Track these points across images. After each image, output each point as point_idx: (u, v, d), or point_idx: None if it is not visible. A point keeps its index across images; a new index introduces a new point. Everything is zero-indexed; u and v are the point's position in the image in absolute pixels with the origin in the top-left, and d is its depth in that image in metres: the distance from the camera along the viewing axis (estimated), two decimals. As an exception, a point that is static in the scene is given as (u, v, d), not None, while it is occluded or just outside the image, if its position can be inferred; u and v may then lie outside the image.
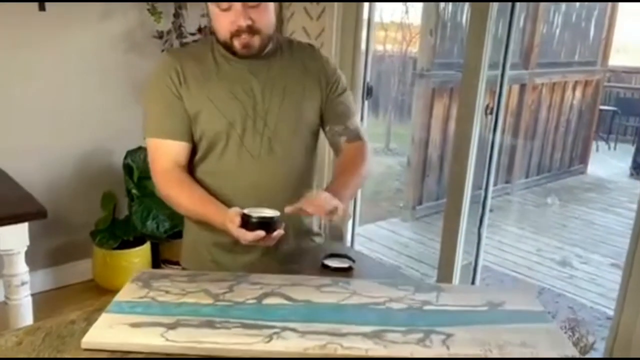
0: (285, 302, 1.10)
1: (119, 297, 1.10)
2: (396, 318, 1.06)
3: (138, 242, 2.93)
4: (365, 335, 0.99)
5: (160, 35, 2.80)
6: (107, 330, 0.97)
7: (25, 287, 2.00)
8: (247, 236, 1.13)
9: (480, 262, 2.66)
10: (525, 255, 3.74)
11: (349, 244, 3.12)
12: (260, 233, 1.13)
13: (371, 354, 0.94)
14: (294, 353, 0.94)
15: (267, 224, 1.14)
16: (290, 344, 0.95)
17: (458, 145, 2.31)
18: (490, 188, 2.50)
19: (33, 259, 2.74)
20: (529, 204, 4.83)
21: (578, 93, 5.37)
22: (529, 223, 4.30)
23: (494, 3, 2.07)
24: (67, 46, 2.71)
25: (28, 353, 0.93)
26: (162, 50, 2.82)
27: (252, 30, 1.25)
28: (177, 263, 3.07)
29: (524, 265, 3.58)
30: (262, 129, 1.32)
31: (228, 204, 1.25)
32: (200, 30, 2.84)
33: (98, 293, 2.88)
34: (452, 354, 0.95)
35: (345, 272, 1.28)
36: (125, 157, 2.82)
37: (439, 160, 4.30)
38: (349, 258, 1.33)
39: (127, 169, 2.81)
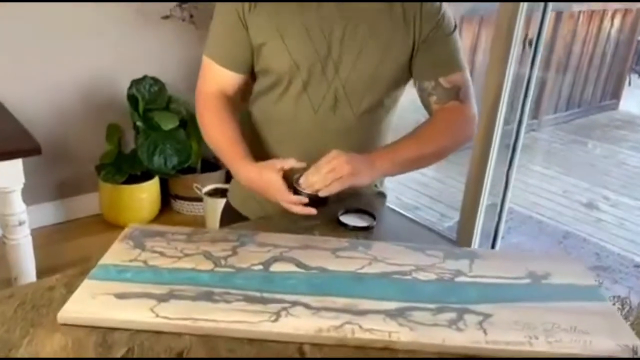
0: (296, 269, 0.95)
1: (106, 258, 0.96)
2: (424, 292, 0.91)
3: (146, 176, 2.81)
4: (388, 313, 0.85)
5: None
6: (89, 301, 0.84)
7: (23, 227, 1.90)
8: (292, 201, 1.05)
9: (507, 206, 2.51)
10: (550, 196, 3.57)
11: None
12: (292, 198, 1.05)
13: (395, 338, 0.80)
14: (305, 337, 0.80)
15: (316, 202, 1.05)
16: (300, 323, 0.82)
17: (490, 81, 2.10)
18: (523, 128, 2.32)
19: (37, 192, 2.66)
20: (557, 142, 4.60)
21: (617, 22, 4.99)
22: (555, 162, 4.10)
23: None
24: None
25: (-4, 328, 0.80)
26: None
27: None
28: (188, 199, 2.98)
29: (548, 207, 3.42)
30: (332, 77, 1.14)
31: (274, 157, 1.13)
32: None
33: (106, 228, 2.80)
34: (490, 340, 0.80)
35: (365, 231, 1.13)
36: (130, 87, 2.64)
37: (464, 94, 4.05)
38: (369, 214, 1.17)
39: (132, 99, 2.64)
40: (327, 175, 1.02)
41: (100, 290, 0.87)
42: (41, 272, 2.12)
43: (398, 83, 1.20)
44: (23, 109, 2.09)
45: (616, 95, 5.42)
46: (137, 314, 0.82)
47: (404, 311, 0.85)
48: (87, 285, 0.88)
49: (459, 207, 3.33)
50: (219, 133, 1.18)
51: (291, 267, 0.95)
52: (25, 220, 1.89)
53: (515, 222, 3.21)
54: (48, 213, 2.79)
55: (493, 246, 2.49)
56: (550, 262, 1.02)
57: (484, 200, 2.43)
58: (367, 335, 0.80)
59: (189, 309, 0.83)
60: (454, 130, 1.17)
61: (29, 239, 1.94)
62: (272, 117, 1.22)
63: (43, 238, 2.65)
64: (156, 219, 2.89)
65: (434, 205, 3.36)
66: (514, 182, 2.52)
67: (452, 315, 0.85)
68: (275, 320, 0.82)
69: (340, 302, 0.87)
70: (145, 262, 0.95)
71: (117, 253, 0.97)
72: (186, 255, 0.97)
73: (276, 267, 0.95)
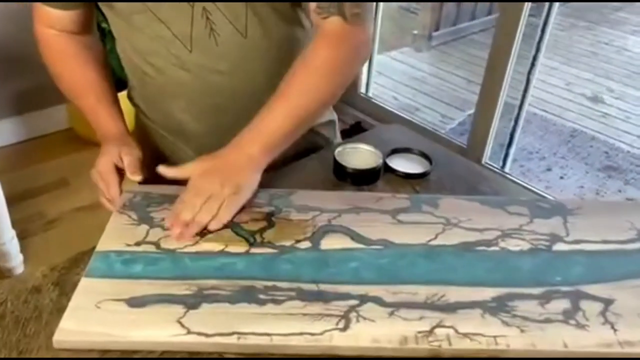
0: (353, 244, 0.74)
1: (105, 242, 0.73)
2: (520, 270, 0.72)
3: (119, 85, 2.49)
4: (485, 306, 0.66)
5: None
6: (93, 313, 0.62)
7: (-15, 160, 1.63)
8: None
9: (525, 107, 2.33)
10: (553, 90, 3.37)
11: (363, 85, 2.70)
12: None
13: (504, 345, 0.61)
14: (388, 350, 0.61)
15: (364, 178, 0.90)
16: (378, 330, 0.62)
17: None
18: (552, 19, 2.09)
19: None
20: (555, 27, 4.29)
21: None
22: (555, 51, 3.84)
23: None
24: None
25: (-30, 363, 0.59)
26: None
27: None
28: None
29: (553, 103, 3.23)
30: None
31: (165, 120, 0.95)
32: None
33: (79, 144, 2.52)
34: (624, 341, 0.62)
35: (421, 178, 0.91)
36: (90, -19, 2.24)
37: (462, -24, 3.68)
38: (424, 155, 0.94)
39: (94, -4, 2.25)
40: (206, 207, 0.73)
41: (104, 294, 0.65)
42: (12, 201, 1.88)
43: None
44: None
45: (615, -29, 5.06)
46: (162, 329, 0.61)
47: (504, 302, 0.66)
48: (86, 287, 0.66)
49: (459, 105, 3.13)
50: (70, 81, 0.97)
51: (347, 242, 0.74)
52: (-14, 152, 1.62)
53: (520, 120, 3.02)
54: (7, 131, 2.47)
55: (507, 151, 2.32)
56: (658, 215, 0.83)
57: (502, 101, 2.24)
58: (466, 344, 0.61)
59: (229, 317, 0.63)
60: (337, 77, 0.80)
61: (-6, 171, 1.68)
62: (136, 67, 0.94)
63: (6, 160, 2.37)
64: (133, 134, 2.61)
65: (434, 105, 3.13)
66: (516, 76, 2.33)
67: (564, 303, 0.67)
68: (345, 327, 0.62)
69: (421, 292, 0.67)
70: (157, 244, 0.72)
71: (118, 232, 0.74)
72: (209, 230, 0.75)
73: (328, 244, 0.74)
